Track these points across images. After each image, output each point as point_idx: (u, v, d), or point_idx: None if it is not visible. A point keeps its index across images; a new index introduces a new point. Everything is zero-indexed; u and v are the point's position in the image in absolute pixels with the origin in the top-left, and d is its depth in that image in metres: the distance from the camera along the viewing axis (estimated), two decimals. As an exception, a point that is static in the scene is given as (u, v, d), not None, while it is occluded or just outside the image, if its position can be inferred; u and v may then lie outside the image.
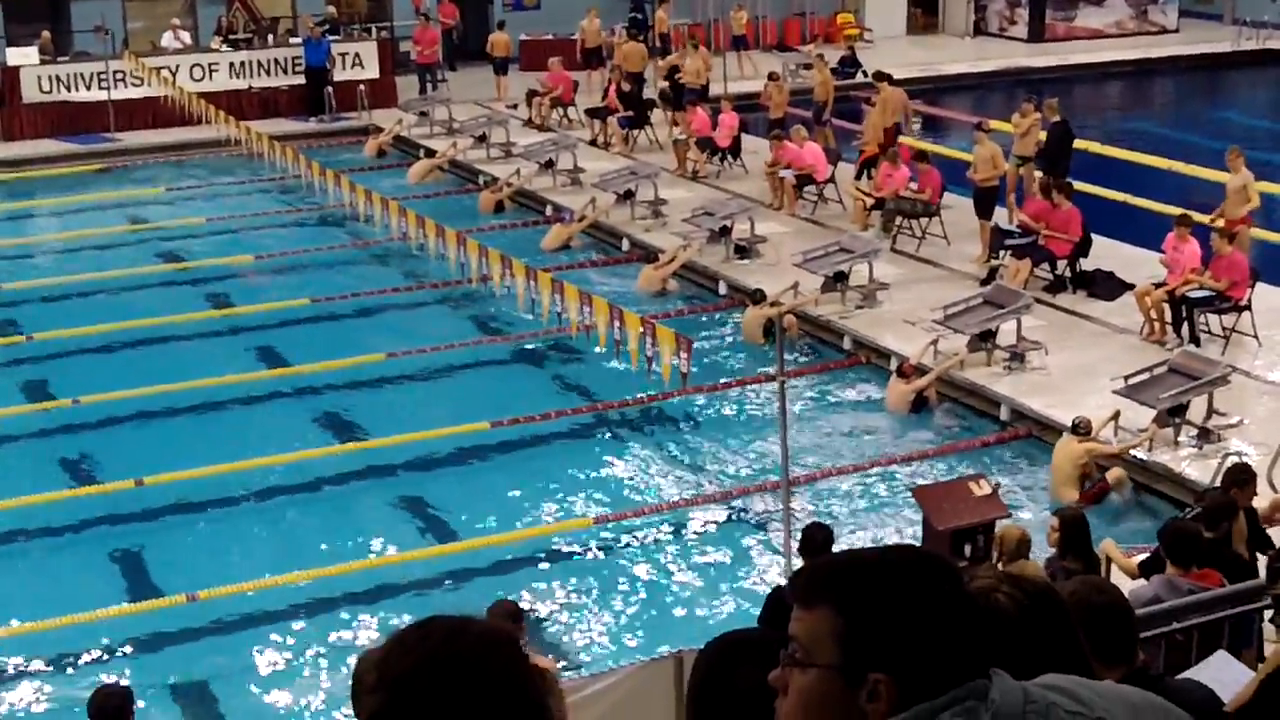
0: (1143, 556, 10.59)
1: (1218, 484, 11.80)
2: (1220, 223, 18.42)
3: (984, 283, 18.96)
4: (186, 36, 32.51)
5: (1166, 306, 17.31)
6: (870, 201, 22.16)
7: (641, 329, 15.54)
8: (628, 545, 14.09)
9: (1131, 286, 18.22)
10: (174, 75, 30.15)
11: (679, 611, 12.89)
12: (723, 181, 25.44)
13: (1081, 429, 14.28)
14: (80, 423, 16.92)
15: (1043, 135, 22.10)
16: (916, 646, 2.21)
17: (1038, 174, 21.25)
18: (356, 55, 32.26)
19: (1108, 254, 19.77)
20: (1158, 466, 14.37)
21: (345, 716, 10.98)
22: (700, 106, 26.66)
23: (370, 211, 22.18)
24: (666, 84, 29.81)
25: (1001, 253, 19.82)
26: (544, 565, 13.74)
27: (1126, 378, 15.08)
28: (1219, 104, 35.06)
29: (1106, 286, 18.88)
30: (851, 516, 14.27)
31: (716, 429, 16.57)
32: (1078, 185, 20.46)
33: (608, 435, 16.65)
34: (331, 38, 32.09)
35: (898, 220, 21.63)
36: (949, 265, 20.57)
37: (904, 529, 13.79)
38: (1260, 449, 13.98)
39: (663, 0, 35.43)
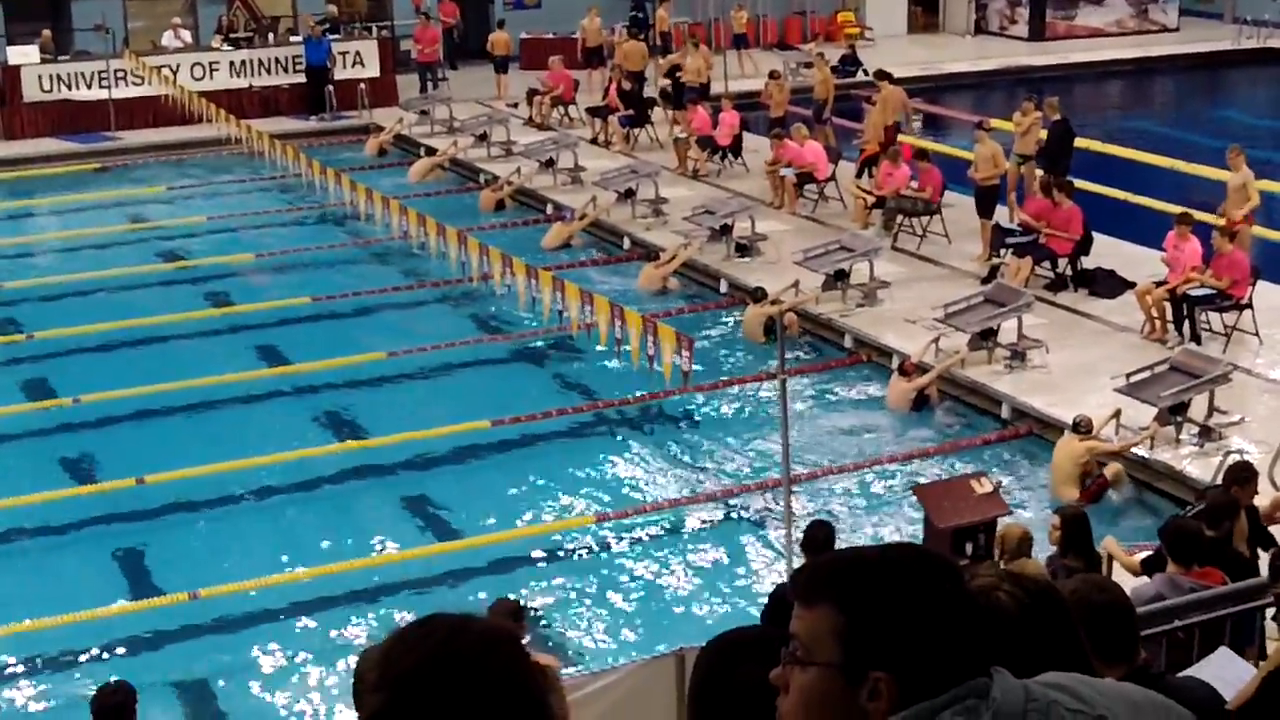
0: (1145, 554, 10.58)
1: (1219, 482, 11.80)
2: (1225, 222, 18.42)
3: (985, 281, 18.96)
4: (187, 35, 32.50)
5: (1167, 305, 17.30)
6: (871, 200, 22.17)
7: (642, 327, 15.54)
8: (629, 543, 14.09)
9: (1132, 285, 18.22)
10: (175, 74, 30.16)
11: (680, 610, 12.89)
12: (723, 180, 25.44)
13: (1082, 427, 14.27)
14: (81, 421, 16.92)
15: (1043, 134, 22.10)
16: (917, 645, 2.21)
17: (1038, 172, 21.24)
18: (357, 54, 32.27)
19: (1109, 252, 19.77)
20: (1159, 464, 14.37)
21: (347, 714, 10.98)
22: (701, 105, 26.66)
23: (371, 210, 22.19)
24: (668, 82, 29.81)
25: (1002, 251, 19.81)
26: (545, 563, 13.74)
27: (1128, 376, 15.07)
28: (1219, 102, 35.05)
29: (1107, 285, 18.88)
30: (852, 515, 14.27)
31: (717, 427, 16.57)
32: (1078, 184, 20.45)
33: (609, 434, 16.65)
34: (332, 36, 32.10)
35: (899, 219, 21.64)
36: (950, 264, 20.57)
37: (905, 527, 13.79)
38: (1261, 447, 13.98)
39: (663, -1, 35.46)
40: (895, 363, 17.09)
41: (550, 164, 25.83)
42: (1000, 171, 20.98)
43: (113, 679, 9.07)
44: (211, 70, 31.07)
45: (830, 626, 2.25)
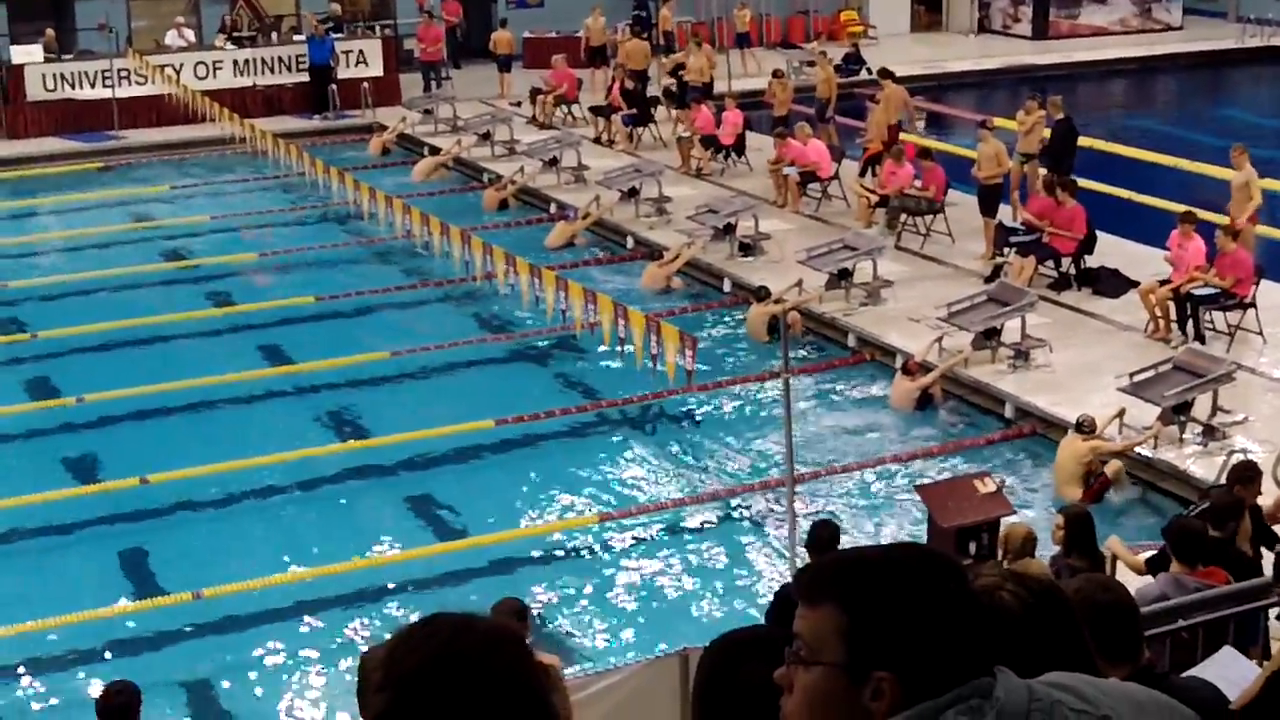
0: (1149, 553, 10.58)
1: (1222, 481, 11.79)
2: (1230, 221, 18.41)
3: (988, 280, 18.95)
4: (191, 34, 32.51)
5: (1171, 304, 17.29)
6: (874, 199, 22.16)
7: (646, 327, 15.54)
8: (632, 543, 14.08)
9: (1136, 284, 18.20)
10: (178, 73, 30.15)
11: (683, 609, 12.89)
12: (727, 179, 25.44)
13: (1086, 427, 14.26)
14: (84, 421, 16.93)
15: (1047, 133, 22.08)
16: (921, 644, 2.21)
17: (1042, 171, 21.23)
18: (360, 53, 32.27)
19: (1112, 251, 19.76)
20: (1163, 464, 14.36)
21: (350, 714, 10.98)
22: (704, 104, 26.65)
23: (374, 209, 22.19)
24: (672, 81, 29.81)
25: (1006, 250, 19.82)
26: (548, 563, 13.74)
27: (1131, 375, 15.06)
28: (1223, 101, 35.04)
29: (1111, 284, 18.87)
30: (856, 514, 14.26)
31: (720, 427, 16.57)
32: (1082, 182, 20.44)
33: (612, 433, 16.65)
34: (335, 35, 32.11)
35: (902, 217, 21.63)
36: (953, 263, 20.56)
37: (908, 527, 13.78)
38: (1265, 446, 13.97)
39: (666, -2, 35.45)
40: (899, 362, 17.09)
41: (553, 163, 25.84)
42: (1003, 170, 20.97)
43: (117, 679, 9.07)
44: (215, 69, 31.09)
45: (834, 626, 2.25)
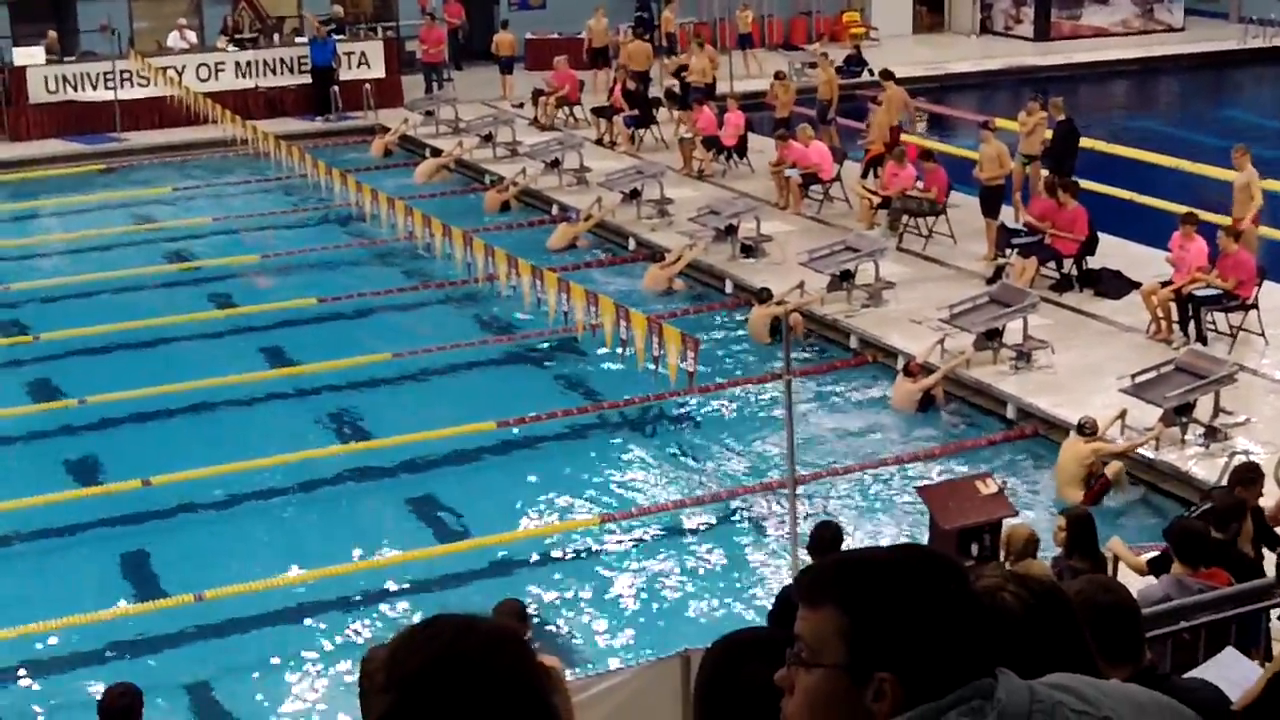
0: (1151, 554, 10.58)
1: (1224, 483, 11.79)
2: (1232, 222, 18.42)
3: (990, 281, 18.95)
4: (192, 36, 32.51)
5: (1173, 305, 17.28)
6: (876, 200, 22.16)
7: (648, 328, 15.54)
8: (633, 544, 14.08)
9: (1138, 285, 18.19)
10: (180, 75, 30.16)
11: (685, 611, 12.89)
12: (728, 180, 25.44)
13: (1087, 429, 14.26)
14: (86, 423, 16.94)
15: (1048, 134, 22.08)
16: (922, 646, 2.21)
17: (1044, 173, 21.23)
18: (362, 54, 32.28)
19: (1114, 252, 19.75)
20: (1164, 465, 14.36)
21: (352, 715, 10.98)
22: (706, 105, 26.65)
23: (376, 211, 22.20)
24: (675, 83, 29.82)
25: (1008, 251, 19.81)
26: (549, 564, 13.74)
27: (1133, 376, 15.06)
28: (1225, 102, 35.04)
29: (1113, 285, 18.86)
30: (858, 515, 14.26)
31: (722, 428, 16.57)
32: (1084, 184, 20.44)
33: (613, 435, 16.65)
34: (337, 37, 32.11)
35: (904, 219, 21.63)
36: (955, 264, 20.56)
37: (910, 528, 13.78)
38: (1267, 447, 13.97)
39: (669, -1, 35.47)
40: (900, 363, 17.09)
41: (555, 165, 25.84)
42: (1005, 172, 20.96)
43: (119, 680, 9.07)
44: (217, 71, 31.10)
45: (835, 627, 2.25)
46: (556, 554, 13.92)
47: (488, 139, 28.10)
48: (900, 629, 2.22)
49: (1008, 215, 21.01)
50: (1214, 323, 17.18)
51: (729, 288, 20.62)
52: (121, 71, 30.31)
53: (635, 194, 23.66)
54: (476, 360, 18.93)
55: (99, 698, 8.64)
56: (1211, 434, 14.64)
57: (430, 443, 16.13)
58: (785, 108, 26.55)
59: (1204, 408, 14.84)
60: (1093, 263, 19.27)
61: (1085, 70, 36.12)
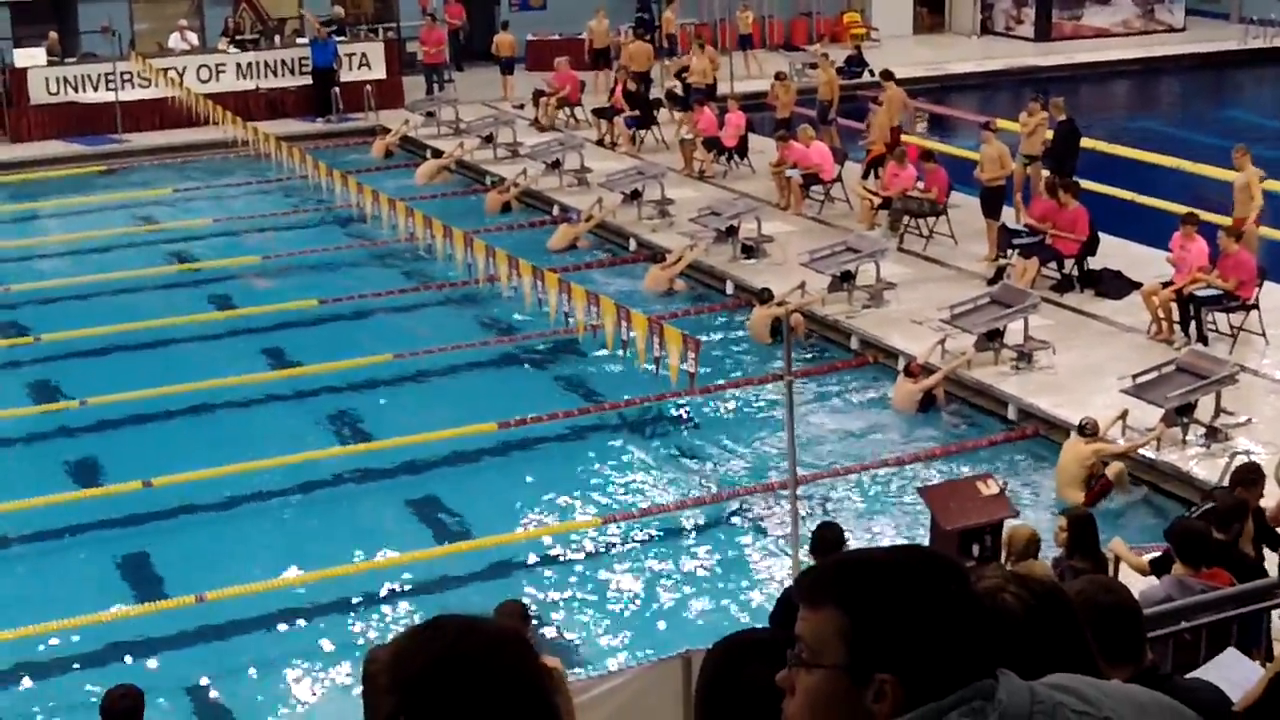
0: (1153, 555, 10.58)
1: (1225, 483, 11.79)
2: (1233, 222, 18.42)
3: (991, 282, 18.96)
4: (193, 37, 32.52)
5: (1174, 305, 17.28)
6: (877, 201, 22.16)
7: (649, 329, 15.54)
8: (634, 545, 14.08)
9: (1139, 285, 18.19)
10: (181, 76, 30.15)
11: (686, 612, 12.88)
12: (729, 181, 25.44)
13: (1088, 430, 14.26)
14: (87, 424, 16.94)
15: (1049, 134, 22.08)
16: (923, 647, 2.21)
17: (1044, 173, 21.23)
18: (363, 56, 32.28)
19: (1115, 253, 19.75)
20: (1165, 466, 14.36)
21: (353, 716, 10.97)
22: (707, 106, 26.65)
23: (377, 212, 22.19)
24: (677, 84, 29.82)
25: (1009, 252, 19.81)
26: (550, 566, 13.74)
27: (1134, 377, 15.06)
28: (1226, 102, 35.03)
29: (1114, 285, 18.86)
30: (859, 516, 14.26)
31: (723, 429, 16.57)
32: (1084, 184, 20.44)
33: (614, 436, 16.64)
34: (338, 38, 32.11)
35: (905, 220, 21.63)
36: (956, 264, 20.56)
37: (911, 529, 13.77)
38: (1268, 448, 13.97)
39: (670, 0, 35.39)
40: (901, 364, 17.08)
41: (556, 165, 25.85)
42: (1006, 172, 20.97)
43: (120, 682, 9.07)
44: (218, 72, 31.10)
45: (835, 628, 2.25)
46: (557, 555, 13.92)
47: (489, 140, 28.10)
48: (901, 630, 2.22)
49: (1009, 216, 21.01)
50: (1215, 323, 17.18)
51: (730, 288, 20.62)
52: (122, 73, 30.30)
53: (636, 195, 23.66)
54: (477, 361, 18.93)
55: (100, 699, 8.64)
56: (1212, 434, 14.63)
57: (430, 444, 16.13)
58: (786, 108, 26.54)
59: (1205, 408, 14.84)
60: (1094, 263, 19.27)
61: (1086, 71, 36.12)
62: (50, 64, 30.27)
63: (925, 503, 12.75)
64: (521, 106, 31.02)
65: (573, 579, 13.46)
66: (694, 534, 14.30)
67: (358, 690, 9.20)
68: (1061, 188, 19.42)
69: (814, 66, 29.99)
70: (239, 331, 20.13)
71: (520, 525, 14.43)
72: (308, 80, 31.45)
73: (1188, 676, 5.68)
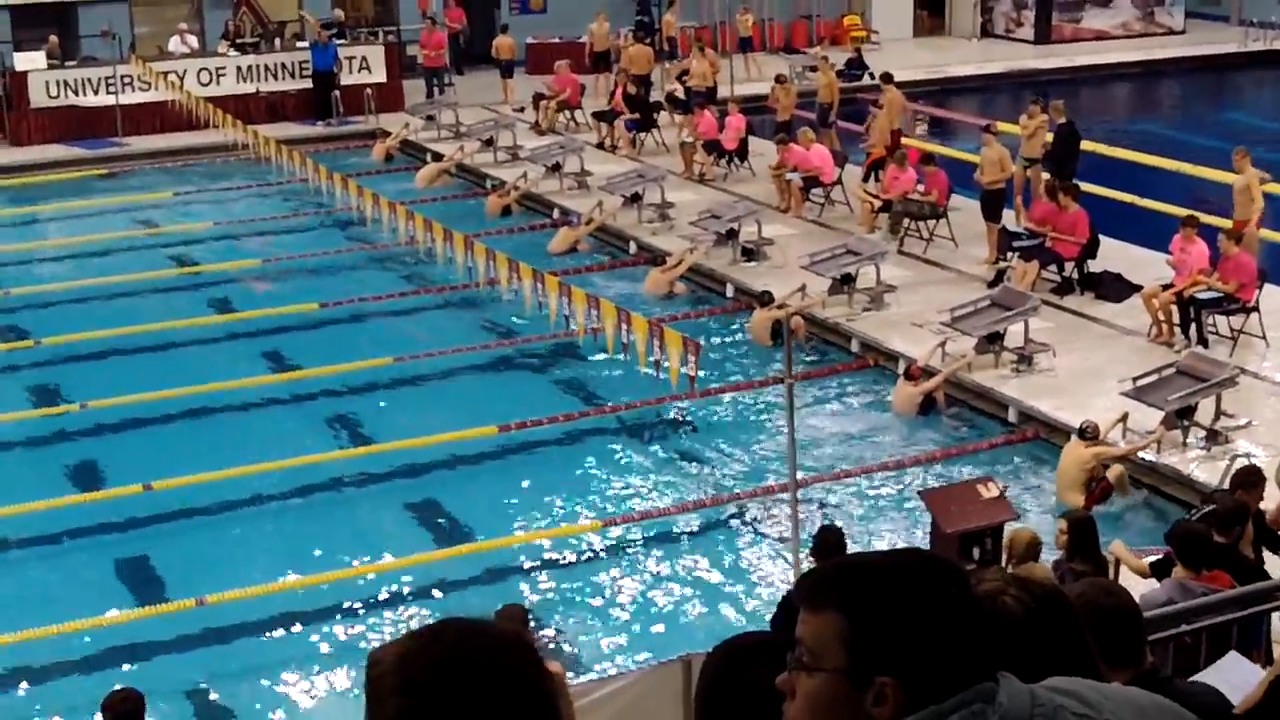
0: (1153, 557, 10.57)
1: (1225, 486, 11.78)
2: (1234, 224, 18.42)
3: (991, 285, 18.96)
4: (194, 41, 32.53)
5: (1174, 308, 17.28)
6: (877, 204, 22.16)
7: (649, 332, 15.54)
8: (635, 549, 14.08)
9: (1139, 288, 18.19)
10: (181, 80, 30.13)
11: (686, 616, 12.88)
12: (729, 184, 25.44)
13: (1089, 433, 14.25)
14: (87, 427, 16.94)
15: (1049, 137, 22.09)
16: (923, 650, 2.21)
17: (1045, 176, 21.23)
18: (363, 59, 32.29)
19: (1115, 255, 19.75)
20: (1166, 468, 14.35)
21: (354, 718, 10.97)
22: (707, 109, 26.66)
23: (377, 215, 22.20)
24: (677, 87, 29.82)
25: (1009, 254, 19.81)
26: (550, 569, 13.73)
27: (1134, 379, 15.06)
28: (1226, 105, 35.04)
29: (1114, 288, 18.87)
30: (859, 519, 14.26)
31: (724, 432, 16.57)
32: (1085, 187, 20.45)
33: (614, 439, 16.64)
34: (338, 42, 32.11)
35: (905, 222, 21.63)
36: (956, 267, 20.56)
37: (912, 532, 13.77)
38: (1269, 450, 13.97)
39: (670, 3, 35.39)
40: (902, 367, 17.08)
41: (556, 169, 25.85)
42: (1006, 175, 20.98)
43: (121, 685, 9.07)
44: (218, 76, 31.11)
45: (836, 631, 2.25)
46: (557, 558, 13.92)
47: (489, 143, 28.10)
48: (901, 633, 2.21)
49: (1009, 219, 21.01)
50: (1215, 326, 17.18)
51: (730, 291, 20.62)
52: (122, 76, 30.31)
53: (636, 198, 23.66)
54: (476, 364, 18.94)
55: (101, 702, 8.64)
56: (1213, 437, 14.63)
57: (430, 447, 16.12)
58: (786, 111, 26.55)
59: (1205, 411, 14.83)
60: (1094, 266, 19.28)
61: (1086, 73, 36.12)
62: (50, 67, 30.27)
63: (925, 505, 12.76)
64: (522, 110, 31.02)
65: (573, 582, 13.45)
66: (694, 537, 14.29)
67: (357, 693, 9.21)
68: (1062, 190, 19.43)
69: (814, 69, 29.98)
70: (239, 335, 20.14)
71: (520, 528, 14.42)
72: (308, 84, 31.46)
73: (1188, 679, 5.68)
